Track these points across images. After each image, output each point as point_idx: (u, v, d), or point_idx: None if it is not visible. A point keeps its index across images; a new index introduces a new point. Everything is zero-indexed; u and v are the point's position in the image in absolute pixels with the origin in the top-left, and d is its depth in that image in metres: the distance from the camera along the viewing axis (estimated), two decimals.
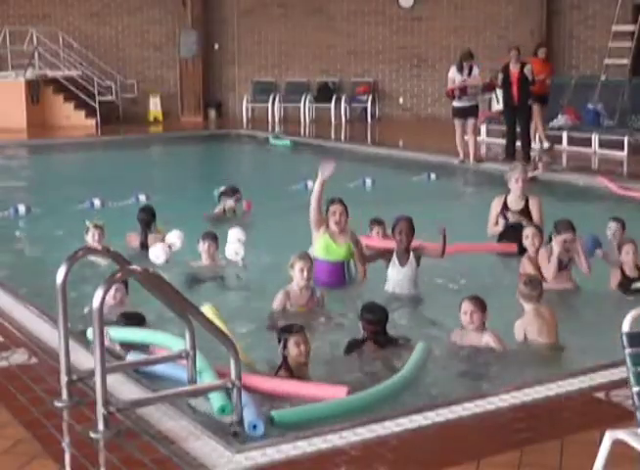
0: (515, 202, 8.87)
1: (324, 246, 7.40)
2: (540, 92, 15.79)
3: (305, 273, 6.65)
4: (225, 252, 8.22)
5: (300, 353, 5.34)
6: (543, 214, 8.71)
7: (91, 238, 8.20)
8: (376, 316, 5.98)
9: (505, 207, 8.87)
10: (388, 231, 8.04)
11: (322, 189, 7.42)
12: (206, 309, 5.87)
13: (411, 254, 7.36)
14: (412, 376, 5.37)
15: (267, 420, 4.62)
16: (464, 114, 14.88)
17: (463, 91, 14.63)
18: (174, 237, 8.66)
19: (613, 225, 8.33)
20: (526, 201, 8.84)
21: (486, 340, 5.91)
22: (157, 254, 8.25)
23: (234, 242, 8.22)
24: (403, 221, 7.39)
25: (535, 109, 15.78)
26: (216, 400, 4.80)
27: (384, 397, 5.08)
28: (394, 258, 7.39)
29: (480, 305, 5.95)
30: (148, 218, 8.97)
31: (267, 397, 5.08)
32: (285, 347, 5.35)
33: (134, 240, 8.92)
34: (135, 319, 6.16)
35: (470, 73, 14.66)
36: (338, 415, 4.73)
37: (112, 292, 6.33)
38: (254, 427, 4.51)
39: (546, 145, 16.30)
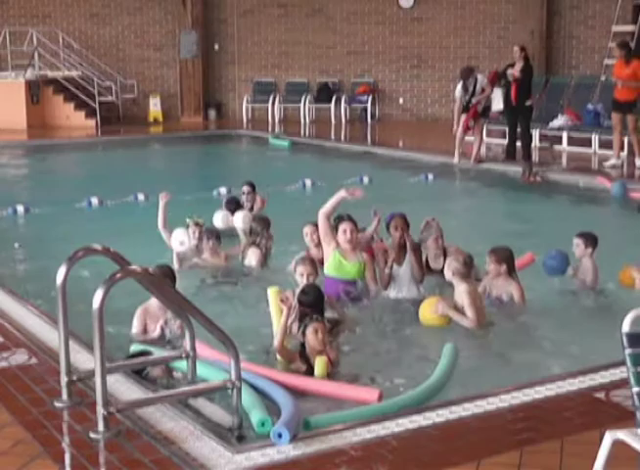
0: (434, 260, 7.55)
1: (336, 263, 7.01)
2: (620, 98, 14.11)
3: (305, 278, 6.45)
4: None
5: (317, 340, 5.47)
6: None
7: (191, 234, 8.19)
8: (309, 298, 5.98)
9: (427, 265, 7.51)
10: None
11: (336, 206, 7.05)
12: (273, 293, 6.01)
13: (408, 251, 7.00)
14: (443, 381, 5.23)
15: (302, 424, 4.42)
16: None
17: (474, 114, 14.75)
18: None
19: (579, 242, 7.37)
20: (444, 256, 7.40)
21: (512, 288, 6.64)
22: (181, 239, 8.21)
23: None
24: (398, 217, 7.15)
25: (614, 117, 14.27)
26: (255, 414, 4.51)
27: (416, 402, 4.88)
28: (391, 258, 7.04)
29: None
30: (233, 208, 9.51)
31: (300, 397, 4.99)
32: (304, 334, 5.52)
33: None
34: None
35: (475, 87, 14.67)
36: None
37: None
38: (279, 435, 4.24)
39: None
